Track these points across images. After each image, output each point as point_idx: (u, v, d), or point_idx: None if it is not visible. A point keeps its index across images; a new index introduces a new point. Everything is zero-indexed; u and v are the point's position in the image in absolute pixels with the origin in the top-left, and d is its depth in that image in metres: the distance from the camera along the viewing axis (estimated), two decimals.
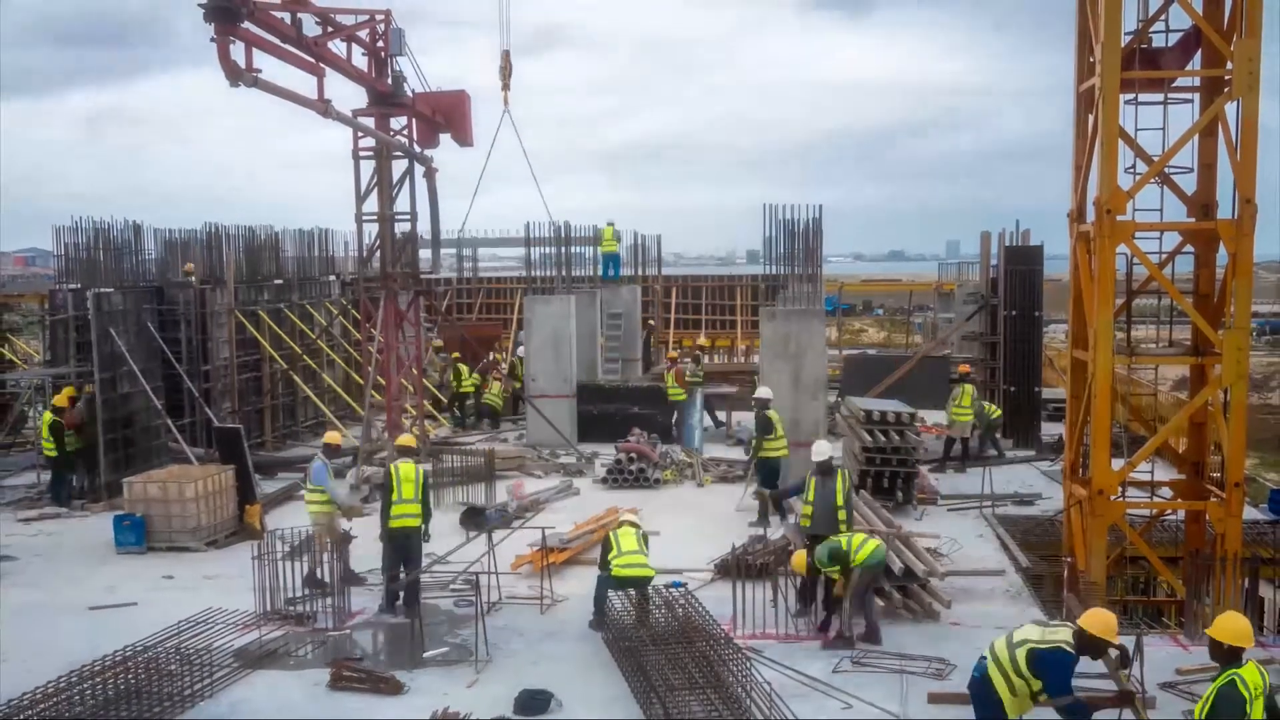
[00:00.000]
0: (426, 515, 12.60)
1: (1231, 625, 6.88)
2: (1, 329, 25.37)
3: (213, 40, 13.37)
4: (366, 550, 13.72)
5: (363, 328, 22.27)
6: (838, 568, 11.31)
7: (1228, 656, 6.80)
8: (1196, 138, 12.77)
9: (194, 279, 21.79)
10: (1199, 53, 12.88)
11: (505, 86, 21.08)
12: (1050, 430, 22.20)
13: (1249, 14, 11.84)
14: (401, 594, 12.36)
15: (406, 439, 13.64)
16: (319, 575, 12.90)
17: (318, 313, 26.25)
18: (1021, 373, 23.10)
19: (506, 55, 20.79)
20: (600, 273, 29.27)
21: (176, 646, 10.95)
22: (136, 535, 15.00)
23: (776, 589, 12.08)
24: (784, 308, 17.25)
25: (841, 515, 12.35)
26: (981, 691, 7.78)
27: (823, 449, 12.95)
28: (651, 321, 34.18)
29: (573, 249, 25.47)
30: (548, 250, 24.58)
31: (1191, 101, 13.09)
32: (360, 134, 19.05)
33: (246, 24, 13.81)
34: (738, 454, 20.92)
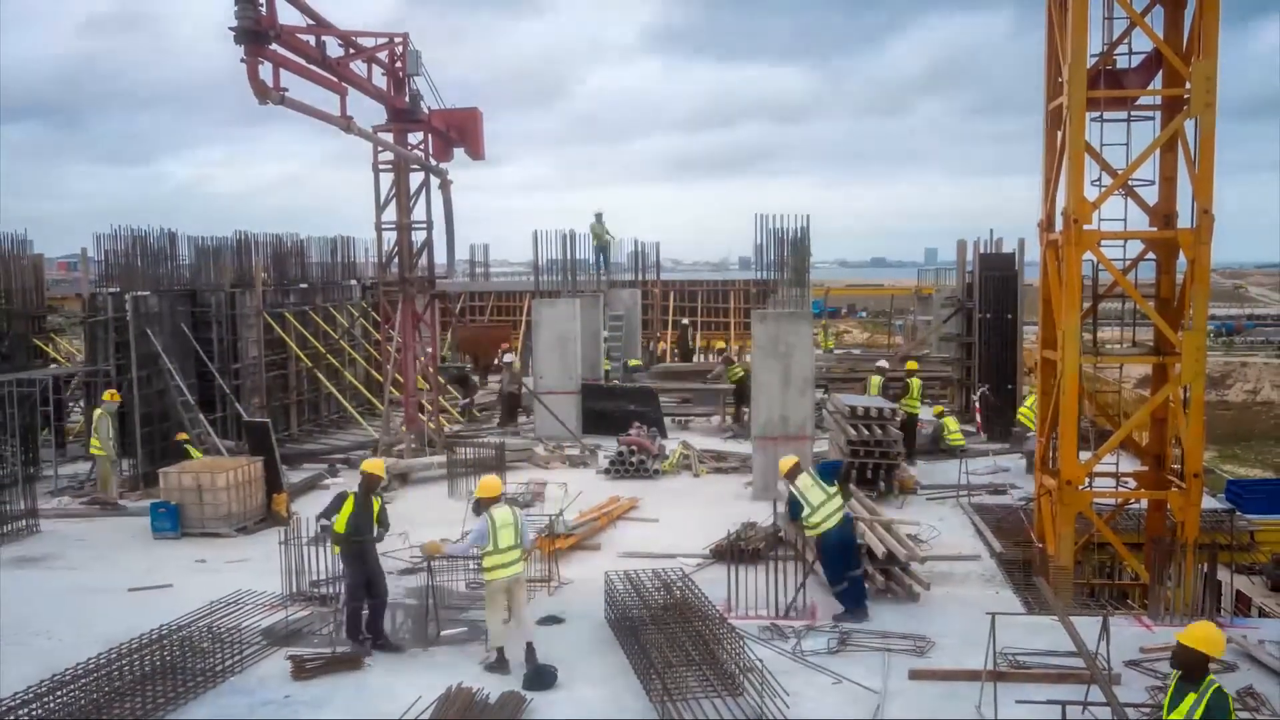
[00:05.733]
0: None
1: (1205, 633, 6.22)
2: (46, 330, 25.34)
3: (243, 61, 13.42)
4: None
5: (382, 329, 22.33)
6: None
7: (1196, 664, 6.19)
8: (1158, 152, 12.80)
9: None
10: (1160, 73, 12.91)
11: None
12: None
13: (1206, 37, 11.88)
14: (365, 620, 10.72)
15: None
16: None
17: (340, 314, 26.28)
18: (995, 371, 23.12)
19: None
20: (597, 262, 29.24)
21: (208, 625, 10.97)
22: (171, 522, 15.03)
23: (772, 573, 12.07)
24: (774, 310, 17.26)
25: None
26: None
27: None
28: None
29: (577, 255, 25.52)
30: (554, 257, 24.72)
31: (1153, 119, 13.13)
32: (380, 148, 19.08)
33: (274, 46, 13.86)
34: (732, 447, 20.94)
